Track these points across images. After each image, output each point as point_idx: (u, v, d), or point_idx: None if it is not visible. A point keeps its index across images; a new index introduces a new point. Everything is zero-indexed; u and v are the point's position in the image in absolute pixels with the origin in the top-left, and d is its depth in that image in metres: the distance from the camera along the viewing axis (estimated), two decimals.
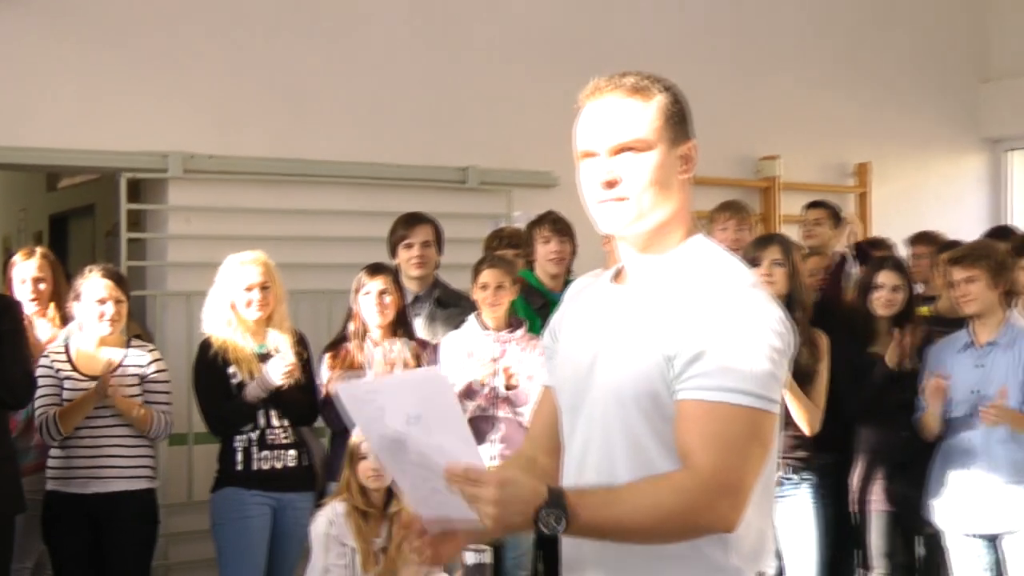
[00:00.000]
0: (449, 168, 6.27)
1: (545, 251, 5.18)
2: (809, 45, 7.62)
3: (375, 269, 4.69)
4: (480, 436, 4.37)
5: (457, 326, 4.76)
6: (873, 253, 6.04)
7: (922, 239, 6.00)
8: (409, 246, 5.06)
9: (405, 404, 1.81)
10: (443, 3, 6.39)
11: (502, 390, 4.56)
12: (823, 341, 4.63)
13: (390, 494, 4.17)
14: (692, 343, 1.85)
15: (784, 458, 4.50)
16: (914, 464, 4.73)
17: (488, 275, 4.74)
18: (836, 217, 6.19)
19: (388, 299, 4.62)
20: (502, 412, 4.59)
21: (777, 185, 7.35)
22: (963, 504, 4.50)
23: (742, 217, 5.33)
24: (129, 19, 5.58)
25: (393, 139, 6.13)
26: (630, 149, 1.95)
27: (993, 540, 4.48)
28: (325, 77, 6.02)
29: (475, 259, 4.95)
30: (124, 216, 5.64)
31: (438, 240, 5.16)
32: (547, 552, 4.88)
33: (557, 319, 2.22)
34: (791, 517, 4.56)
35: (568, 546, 2.01)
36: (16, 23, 5.34)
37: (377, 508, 4.15)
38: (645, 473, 1.88)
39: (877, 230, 7.30)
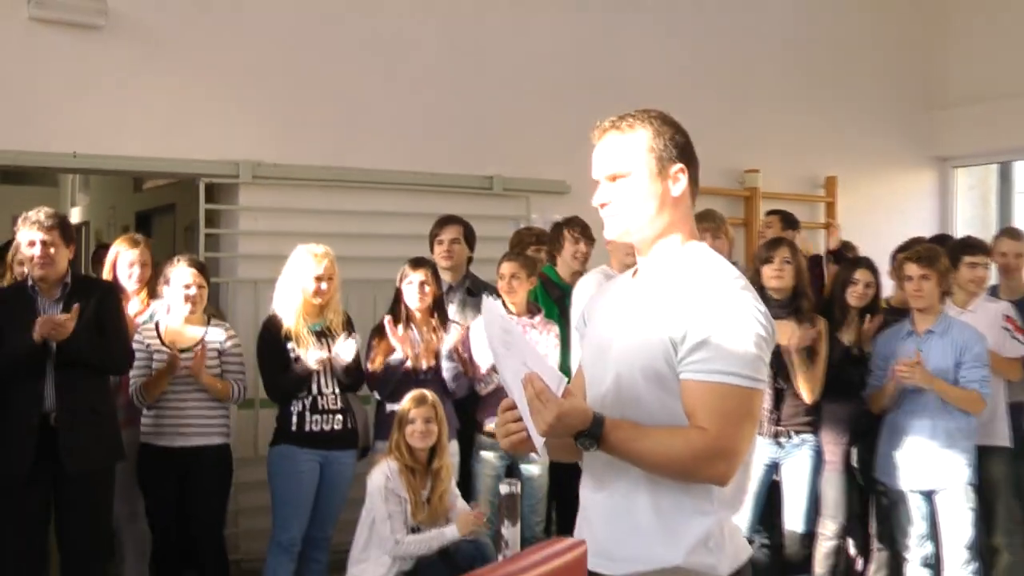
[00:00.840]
0: (477, 176, 6.33)
1: (573, 250, 5.22)
2: (786, 75, 7.61)
3: (417, 263, 4.77)
4: (495, 408, 4.45)
5: None
6: (845, 254, 6.14)
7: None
8: (440, 243, 5.15)
9: (522, 355, 2.02)
10: (474, 38, 6.44)
11: None
12: (823, 325, 4.74)
13: (433, 452, 4.28)
14: (695, 331, 1.99)
15: (787, 424, 4.65)
16: (869, 432, 4.85)
17: (505, 266, 4.85)
18: (786, 221, 6.25)
19: (427, 288, 4.71)
20: None
21: (758, 194, 7.37)
22: (907, 465, 4.61)
23: (717, 226, 5.09)
24: (206, 47, 5.68)
25: (430, 151, 6.20)
26: (619, 177, 2.16)
27: (930, 495, 4.60)
28: (373, 97, 6.09)
29: (498, 255, 5.04)
30: (202, 214, 5.75)
31: (467, 238, 5.22)
32: (560, 501, 5.00)
33: (589, 307, 2.38)
34: (793, 471, 4.72)
35: (590, 459, 2.17)
36: (110, 52, 5.43)
37: (422, 465, 4.26)
38: None
39: (842, 234, 7.34)
